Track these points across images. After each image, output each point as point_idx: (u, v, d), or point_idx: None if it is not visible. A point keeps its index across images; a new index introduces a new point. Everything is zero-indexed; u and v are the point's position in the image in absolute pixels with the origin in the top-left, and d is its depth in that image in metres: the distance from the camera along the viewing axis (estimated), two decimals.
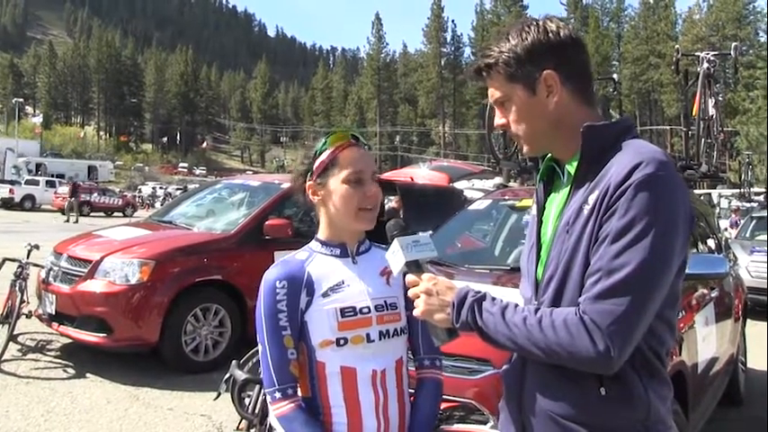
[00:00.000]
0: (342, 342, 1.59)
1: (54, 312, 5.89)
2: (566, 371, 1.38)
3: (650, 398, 1.38)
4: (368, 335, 1.62)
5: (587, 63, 1.53)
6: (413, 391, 1.76)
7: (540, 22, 1.47)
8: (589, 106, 1.50)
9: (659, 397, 1.41)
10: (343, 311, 1.61)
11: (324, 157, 1.67)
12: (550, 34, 1.45)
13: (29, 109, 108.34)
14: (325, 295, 1.62)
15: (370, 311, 1.64)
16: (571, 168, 1.49)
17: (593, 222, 1.37)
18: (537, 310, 1.39)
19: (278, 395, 1.58)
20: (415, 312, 1.50)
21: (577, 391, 1.40)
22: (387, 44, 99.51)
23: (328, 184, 1.66)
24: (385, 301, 1.67)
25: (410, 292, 1.52)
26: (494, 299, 1.44)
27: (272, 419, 1.60)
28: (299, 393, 1.62)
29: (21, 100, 75.95)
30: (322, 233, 1.72)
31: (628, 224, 1.31)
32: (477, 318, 1.41)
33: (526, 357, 1.47)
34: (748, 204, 22.16)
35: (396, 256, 1.54)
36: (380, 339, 1.64)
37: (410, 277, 1.52)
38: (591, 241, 1.37)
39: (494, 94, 1.52)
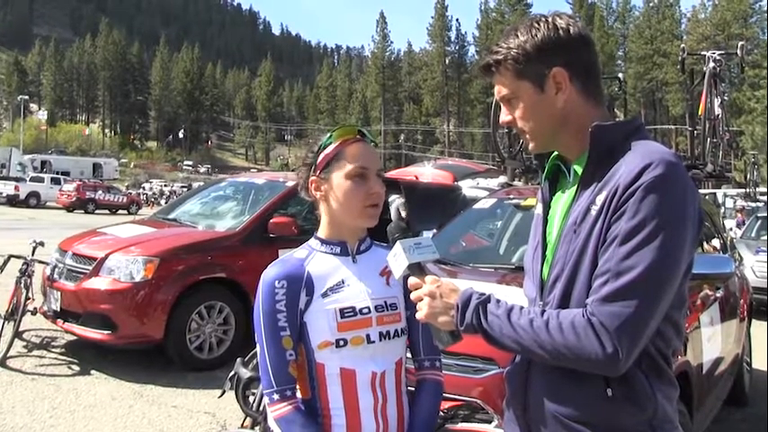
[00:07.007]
0: (341, 343, 1.56)
1: (59, 309, 5.91)
2: (571, 372, 1.37)
3: (657, 398, 1.38)
4: (368, 336, 1.58)
5: (596, 61, 1.51)
6: (412, 388, 1.72)
7: (550, 19, 1.45)
8: (597, 105, 1.48)
9: (666, 397, 1.41)
10: (342, 312, 1.57)
11: (328, 150, 1.62)
12: (560, 31, 1.43)
13: (34, 106, 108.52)
14: (324, 295, 1.58)
15: (370, 312, 1.60)
16: (578, 168, 1.48)
17: (602, 223, 1.35)
18: (543, 312, 1.37)
19: (276, 397, 1.55)
20: (418, 315, 1.47)
21: (584, 391, 1.39)
22: (391, 43, 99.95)
23: (331, 178, 1.61)
24: (385, 302, 1.63)
25: (413, 295, 1.49)
26: (498, 301, 1.42)
27: (270, 421, 1.58)
28: (299, 395, 1.59)
29: (26, 97, 75.98)
30: (322, 230, 1.68)
31: (637, 226, 1.29)
32: (483, 320, 1.40)
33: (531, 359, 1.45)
34: (754, 204, 22.03)
35: (398, 258, 1.51)
36: (381, 340, 1.60)
37: (413, 280, 1.49)
38: (599, 242, 1.35)
39: (501, 90, 1.50)
